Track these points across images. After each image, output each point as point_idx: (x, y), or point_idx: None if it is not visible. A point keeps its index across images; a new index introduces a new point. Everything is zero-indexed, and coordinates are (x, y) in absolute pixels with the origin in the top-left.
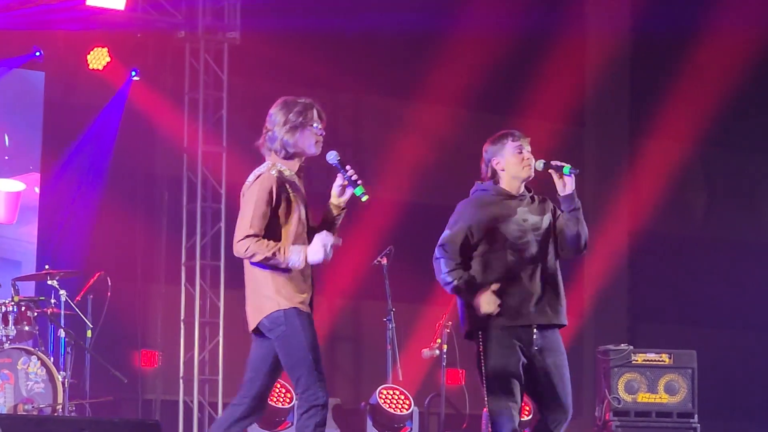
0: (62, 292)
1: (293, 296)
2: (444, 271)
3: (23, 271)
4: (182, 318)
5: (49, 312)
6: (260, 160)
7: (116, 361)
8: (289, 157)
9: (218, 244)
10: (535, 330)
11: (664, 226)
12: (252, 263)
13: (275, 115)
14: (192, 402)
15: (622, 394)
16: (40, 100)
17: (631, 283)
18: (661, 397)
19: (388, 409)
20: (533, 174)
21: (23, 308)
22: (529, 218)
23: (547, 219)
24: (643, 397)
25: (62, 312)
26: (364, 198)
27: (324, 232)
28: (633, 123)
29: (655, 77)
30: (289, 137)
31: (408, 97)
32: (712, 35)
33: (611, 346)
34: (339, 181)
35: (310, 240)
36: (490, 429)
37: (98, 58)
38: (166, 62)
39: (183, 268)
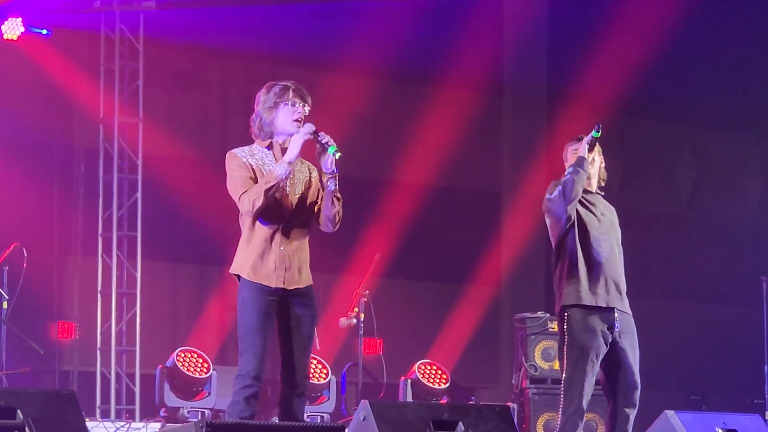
0: None
1: None
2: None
3: None
4: (99, 289)
5: None
6: (176, 131)
7: (33, 332)
8: (267, 137)
9: (135, 215)
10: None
11: None
12: (260, 211)
13: (259, 96)
14: (109, 373)
15: (539, 362)
16: None
17: (548, 251)
18: None
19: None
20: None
21: None
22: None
23: None
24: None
25: None
26: (338, 155)
27: None
28: (551, 93)
29: (573, 47)
30: (267, 116)
31: (323, 68)
32: (630, 3)
33: (528, 314)
34: (318, 149)
35: (297, 217)
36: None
37: (12, 28)
38: (81, 32)
39: (100, 239)
